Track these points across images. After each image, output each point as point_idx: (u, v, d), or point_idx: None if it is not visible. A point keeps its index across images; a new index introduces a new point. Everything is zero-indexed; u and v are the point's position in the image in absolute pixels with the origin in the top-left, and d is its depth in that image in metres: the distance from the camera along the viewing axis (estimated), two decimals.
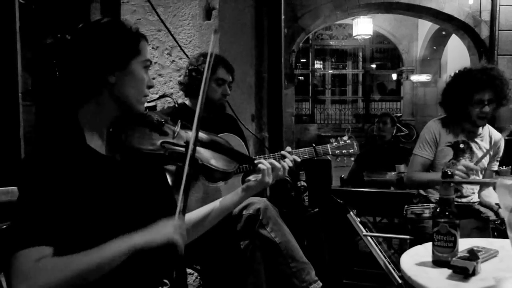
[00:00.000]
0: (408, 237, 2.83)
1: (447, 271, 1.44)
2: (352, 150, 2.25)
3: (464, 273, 1.39)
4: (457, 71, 2.59)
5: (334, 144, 2.26)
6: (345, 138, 2.28)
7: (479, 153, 2.54)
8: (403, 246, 3.62)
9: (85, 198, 1.14)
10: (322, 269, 3.21)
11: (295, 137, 7.53)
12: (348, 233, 3.34)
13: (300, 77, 14.95)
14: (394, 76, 15.44)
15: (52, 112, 1.26)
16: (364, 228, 3.20)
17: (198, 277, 2.89)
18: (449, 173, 1.51)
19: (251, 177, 1.51)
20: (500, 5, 7.26)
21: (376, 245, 3.14)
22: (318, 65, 15.66)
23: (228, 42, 3.14)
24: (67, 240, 1.10)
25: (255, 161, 1.49)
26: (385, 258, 3.05)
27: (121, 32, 1.24)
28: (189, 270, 2.53)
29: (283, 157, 1.81)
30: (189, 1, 3.04)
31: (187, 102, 2.50)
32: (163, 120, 1.34)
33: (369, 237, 3.11)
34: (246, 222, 2.09)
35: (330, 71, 15.89)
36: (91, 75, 1.20)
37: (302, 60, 14.87)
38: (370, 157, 4.51)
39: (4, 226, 1.54)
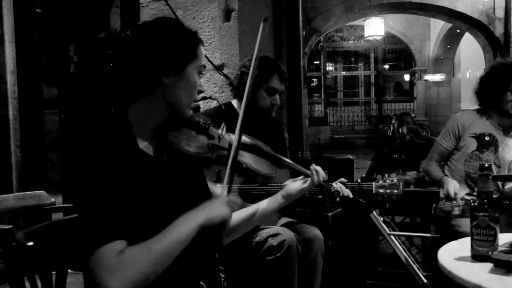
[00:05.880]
0: (436, 235, 2.80)
1: (488, 265, 1.41)
2: (396, 191, 2.12)
3: (507, 267, 1.36)
4: (496, 62, 2.63)
5: (380, 182, 2.15)
6: (393, 177, 2.14)
7: (506, 149, 2.53)
8: (427, 246, 3.59)
9: (137, 198, 1.13)
10: (346, 269, 3.20)
11: (316, 138, 7.51)
12: (371, 233, 3.31)
13: (314, 79, 14.93)
14: (407, 77, 15.35)
15: (103, 110, 1.27)
16: (388, 228, 3.17)
17: (222, 278, 2.88)
18: (486, 165, 1.49)
19: (289, 181, 1.50)
20: None
21: (400, 245, 3.11)
22: (330, 67, 15.62)
23: (247, 43, 3.14)
24: (136, 233, 1.10)
25: (299, 168, 1.51)
26: (409, 257, 3.02)
27: (182, 34, 1.23)
28: None
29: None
30: (208, 3, 3.05)
31: (234, 103, 2.41)
32: (208, 122, 1.35)
33: (392, 237, 3.08)
34: (266, 251, 2.05)
35: (343, 73, 15.84)
36: (147, 74, 1.19)
37: (315, 62, 14.85)
38: (388, 157, 4.50)
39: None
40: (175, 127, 1.29)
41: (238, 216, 1.46)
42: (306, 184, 1.49)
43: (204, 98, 2.01)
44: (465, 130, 2.56)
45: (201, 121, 1.34)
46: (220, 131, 1.36)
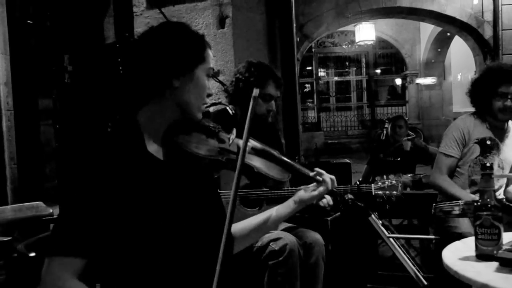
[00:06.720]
0: (434, 237, 2.81)
1: (494, 264, 1.42)
2: (395, 192, 2.13)
3: None
4: (486, 67, 2.68)
5: (379, 184, 2.17)
6: (392, 178, 2.15)
7: (506, 150, 2.54)
8: (425, 248, 3.59)
9: (142, 204, 1.13)
10: (346, 273, 3.19)
11: (310, 144, 7.51)
12: (370, 236, 3.31)
13: (307, 85, 14.98)
14: (399, 81, 15.43)
15: (114, 113, 1.26)
16: (386, 230, 3.17)
17: None
18: (488, 164, 1.50)
19: (303, 187, 1.49)
20: (502, 4, 7.25)
21: (399, 247, 3.11)
22: (322, 72, 15.67)
23: (242, 49, 3.16)
24: (103, 255, 1.11)
25: (311, 174, 1.48)
26: (409, 259, 3.01)
27: (191, 36, 1.26)
28: None
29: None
30: (203, 10, 3.06)
31: (229, 109, 2.41)
32: (218, 127, 1.36)
33: (392, 239, 3.08)
34: (268, 255, 2.06)
35: (335, 78, 15.90)
36: (157, 76, 1.21)
37: (307, 68, 14.91)
38: (383, 160, 4.51)
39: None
40: (185, 131, 1.29)
41: (249, 223, 1.45)
42: (319, 190, 1.47)
43: (213, 104, 2.01)
44: (470, 136, 2.56)
45: (211, 125, 1.35)
46: (230, 135, 1.37)
